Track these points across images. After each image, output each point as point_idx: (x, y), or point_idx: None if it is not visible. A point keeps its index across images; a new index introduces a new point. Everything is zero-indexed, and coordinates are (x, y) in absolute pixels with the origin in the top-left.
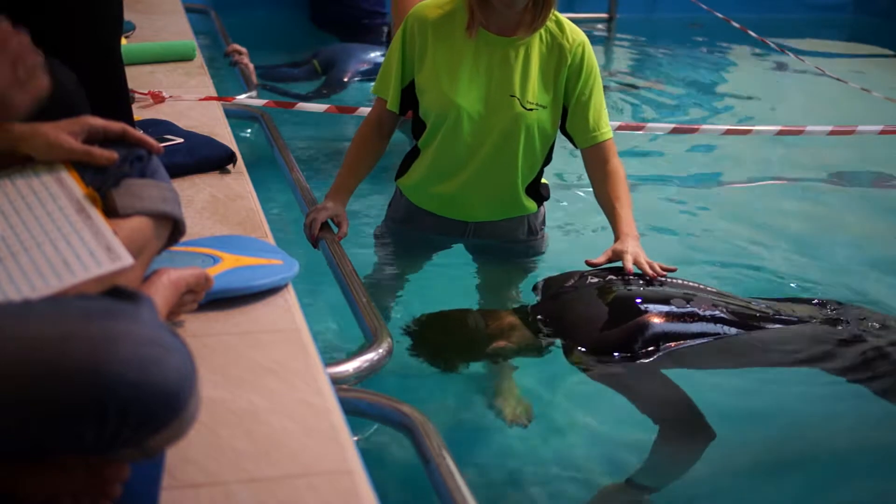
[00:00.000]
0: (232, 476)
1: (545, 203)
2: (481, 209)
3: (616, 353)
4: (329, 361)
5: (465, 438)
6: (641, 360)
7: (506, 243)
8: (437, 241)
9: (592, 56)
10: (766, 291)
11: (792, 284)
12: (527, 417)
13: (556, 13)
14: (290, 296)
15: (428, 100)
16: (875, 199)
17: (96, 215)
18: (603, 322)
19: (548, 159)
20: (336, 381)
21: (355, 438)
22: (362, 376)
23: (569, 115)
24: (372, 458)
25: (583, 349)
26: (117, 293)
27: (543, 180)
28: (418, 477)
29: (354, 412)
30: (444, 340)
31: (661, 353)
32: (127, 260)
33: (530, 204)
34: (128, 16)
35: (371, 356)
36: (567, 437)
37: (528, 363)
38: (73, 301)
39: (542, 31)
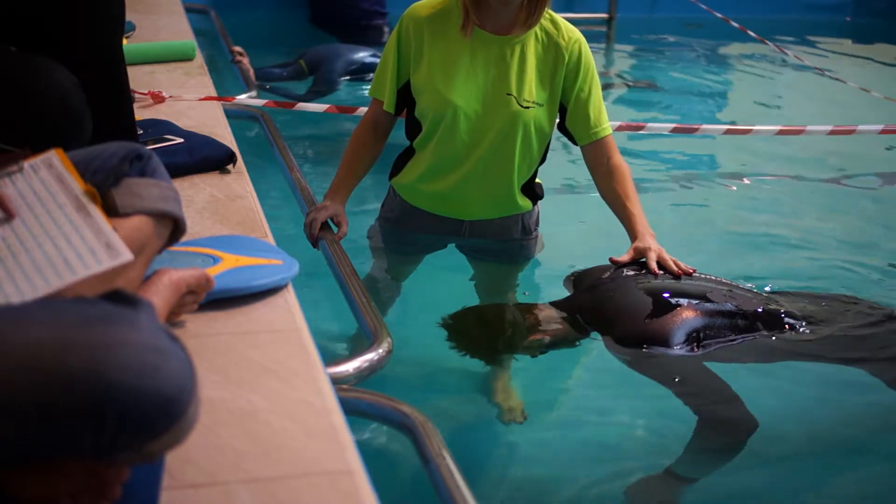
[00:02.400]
0: (232, 476)
1: (539, 202)
2: (477, 207)
3: (660, 344)
4: (329, 361)
5: (465, 438)
6: (685, 352)
7: (500, 242)
8: (432, 240)
9: (589, 53)
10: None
11: (794, 283)
12: (521, 415)
13: (551, 12)
14: (290, 296)
15: (425, 100)
16: (876, 198)
17: (95, 212)
18: (646, 313)
19: (542, 158)
20: (336, 381)
21: (355, 438)
22: (362, 376)
23: (568, 112)
24: (372, 458)
25: (625, 340)
26: (117, 297)
27: (537, 179)
28: (418, 477)
29: (354, 412)
30: (483, 333)
31: (703, 345)
32: (126, 255)
33: (525, 202)
34: (128, 16)
35: (371, 356)
36: (568, 437)
37: (531, 361)
38: (72, 306)
39: (538, 29)
